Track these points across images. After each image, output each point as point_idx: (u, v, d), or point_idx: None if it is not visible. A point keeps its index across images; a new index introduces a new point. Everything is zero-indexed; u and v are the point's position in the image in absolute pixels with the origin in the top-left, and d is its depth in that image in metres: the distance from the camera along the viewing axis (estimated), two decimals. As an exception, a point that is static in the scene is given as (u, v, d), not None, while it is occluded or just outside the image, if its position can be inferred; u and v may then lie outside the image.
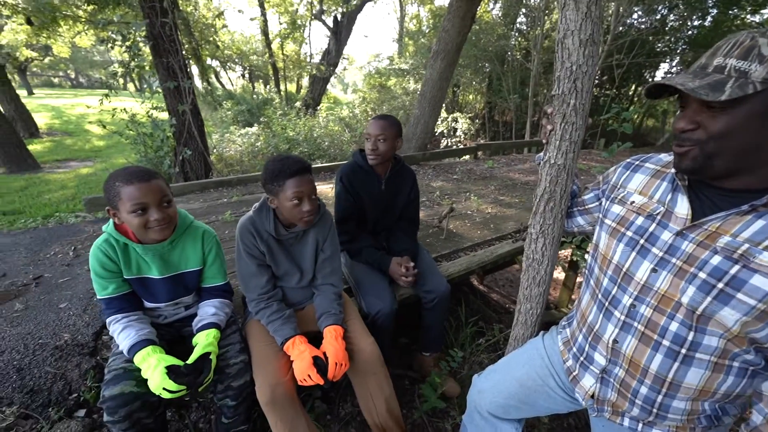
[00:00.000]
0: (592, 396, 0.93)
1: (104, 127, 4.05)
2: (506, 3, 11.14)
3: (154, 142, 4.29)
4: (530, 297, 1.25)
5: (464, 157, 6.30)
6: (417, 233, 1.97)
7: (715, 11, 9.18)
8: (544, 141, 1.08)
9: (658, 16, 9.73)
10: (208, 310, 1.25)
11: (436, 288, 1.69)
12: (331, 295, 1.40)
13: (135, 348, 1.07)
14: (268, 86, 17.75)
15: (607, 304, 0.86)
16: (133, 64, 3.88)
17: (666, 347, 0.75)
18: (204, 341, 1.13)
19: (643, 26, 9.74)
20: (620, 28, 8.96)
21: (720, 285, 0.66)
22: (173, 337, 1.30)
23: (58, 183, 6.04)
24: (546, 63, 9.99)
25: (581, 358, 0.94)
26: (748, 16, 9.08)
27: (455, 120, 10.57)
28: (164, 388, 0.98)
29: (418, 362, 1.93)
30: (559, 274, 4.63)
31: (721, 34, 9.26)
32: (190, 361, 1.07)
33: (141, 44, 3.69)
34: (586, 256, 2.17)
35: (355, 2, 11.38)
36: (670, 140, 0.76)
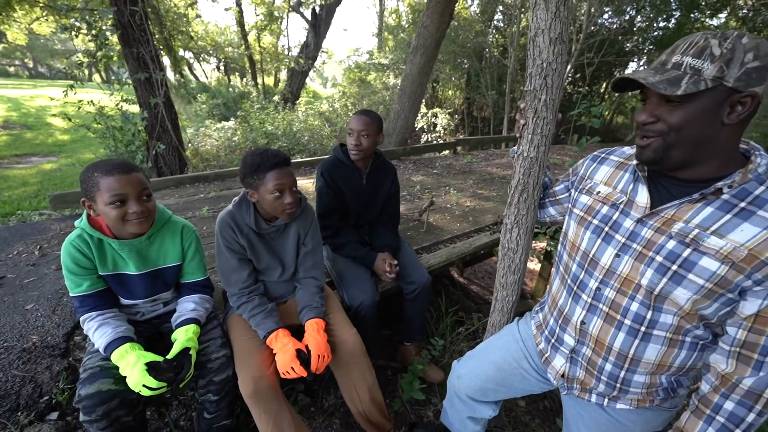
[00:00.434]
0: (563, 375, 0.99)
1: (69, 120, 3.84)
2: (484, 0, 11.28)
3: (124, 136, 4.11)
4: (506, 284, 1.31)
5: (444, 152, 6.38)
6: (398, 227, 2.00)
7: (678, 14, 9.67)
8: (517, 135, 1.12)
9: (627, 17, 10.15)
10: (188, 305, 1.23)
11: (417, 279, 1.73)
12: (313, 289, 1.40)
13: (112, 346, 1.05)
14: (244, 79, 17.28)
15: (575, 288, 0.92)
16: (99, 54, 3.69)
17: (627, 326, 0.81)
18: (183, 337, 1.12)
19: (613, 26, 10.13)
20: (592, 28, 9.28)
21: (674, 267, 0.72)
22: (151, 334, 1.28)
23: (18, 179, 5.69)
24: (522, 60, 10.21)
25: (552, 340, 1.00)
26: (707, 20, 9.62)
27: (435, 115, 10.66)
28: (144, 385, 0.97)
29: (401, 352, 1.97)
30: (536, 266, 4.81)
31: (683, 35, 9.72)
32: (170, 356, 1.06)
33: (108, 33, 3.50)
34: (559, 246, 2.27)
35: (333, -5, 11.23)
36: (637, 138, 0.82)
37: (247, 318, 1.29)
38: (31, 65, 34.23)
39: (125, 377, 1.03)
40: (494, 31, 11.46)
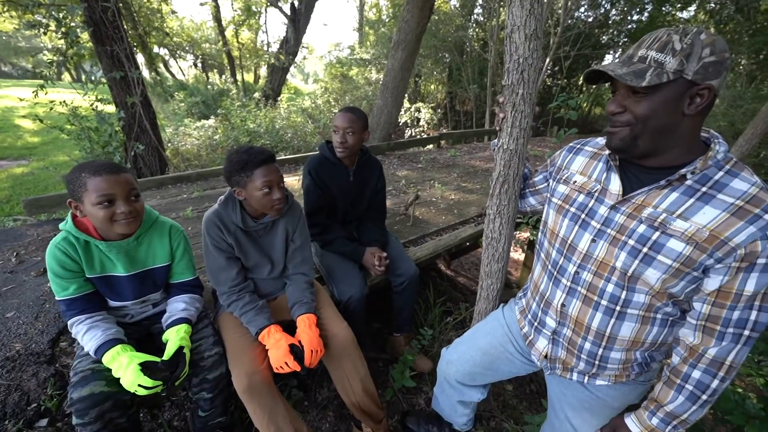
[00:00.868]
0: (546, 356, 1.04)
1: (41, 121, 3.69)
2: (463, -6, 11.34)
3: (100, 137, 3.97)
4: (491, 273, 1.35)
5: (428, 147, 6.43)
6: (385, 222, 2.03)
7: (651, 7, 9.97)
8: (497, 128, 1.16)
9: (602, 11, 10.40)
10: (178, 305, 1.23)
11: (405, 272, 1.76)
12: (302, 285, 1.42)
13: (103, 348, 1.04)
14: (223, 76, 16.88)
15: (555, 273, 0.97)
16: (70, 52, 3.55)
17: (604, 306, 0.87)
18: (176, 336, 1.12)
19: (589, 19, 10.36)
20: (569, 21, 9.47)
21: (645, 249, 0.78)
22: (141, 336, 1.27)
23: (-13, 185, 5.44)
24: (502, 54, 10.26)
25: (535, 324, 1.05)
26: (678, 13, 9.97)
27: (418, 110, 10.70)
28: (140, 385, 0.97)
29: (390, 344, 2.01)
30: (520, 255, 4.93)
31: (655, 28, 10.06)
32: (166, 357, 1.06)
33: (79, 30, 3.37)
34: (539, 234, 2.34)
35: (312, -12, 11.06)
36: (608, 127, 0.86)
37: (238, 315, 1.29)
38: (-7, 64, 32.40)
39: (118, 379, 1.03)
40: (474, 25, 11.55)
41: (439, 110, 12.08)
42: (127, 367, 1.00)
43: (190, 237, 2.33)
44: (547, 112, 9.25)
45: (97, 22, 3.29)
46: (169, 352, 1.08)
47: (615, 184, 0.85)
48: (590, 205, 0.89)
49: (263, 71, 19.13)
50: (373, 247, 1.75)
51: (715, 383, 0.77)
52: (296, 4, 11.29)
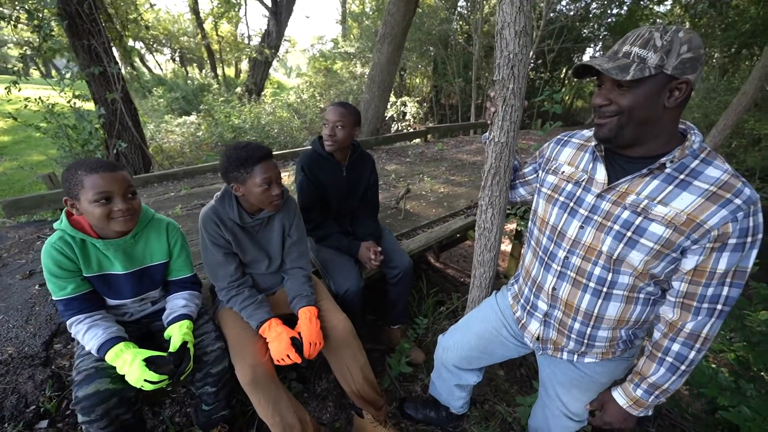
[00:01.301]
0: (538, 338, 1.10)
1: (15, 119, 3.55)
2: (447, -14, 11.32)
3: (79, 135, 3.86)
4: (483, 262, 1.41)
5: (415, 141, 6.47)
6: (378, 215, 2.06)
7: (629, 1, 10.20)
8: (488, 122, 1.20)
9: (583, 4, 10.58)
10: (178, 302, 1.24)
11: (400, 264, 1.80)
12: (301, 278, 1.44)
13: (105, 346, 1.05)
14: (203, 71, 16.43)
15: (546, 259, 1.02)
16: (44, 46, 3.41)
17: (592, 288, 0.93)
18: (179, 331, 1.13)
19: (570, 13, 10.53)
20: (551, 14, 9.61)
21: (629, 233, 0.84)
22: (142, 334, 1.27)
23: (-43, 186, 5.20)
24: (486, 47, 10.42)
25: (528, 307, 1.11)
26: (656, 7, 10.24)
27: (404, 104, 10.71)
28: (146, 380, 0.99)
29: (387, 335, 2.05)
30: (507, 246, 5.05)
31: (634, 22, 10.35)
32: (172, 349, 1.07)
33: (54, 23, 3.24)
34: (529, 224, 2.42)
35: (294, -20, 10.84)
36: (595, 119, 0.92)
37: (239, 310, 1.31)
38: (-46, 58, 30.59)
39: (123, 376, 1.04)
40: (458, 17, 11.58)
41: (425, 104, 12.11)
42: (132, 363, 1.01)
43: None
44: (531, 105, 9.41)
45: (73, 14, 3.17)
46: (174, 345, 1.09)
47: (601, 174, 0.91)
48: (578, 193, 0.95)
49: (244, 65, 18.70)
50: (368, 242, 1.78)
51: (692, 354, 0.84)
52: (278, -5, 11.06)
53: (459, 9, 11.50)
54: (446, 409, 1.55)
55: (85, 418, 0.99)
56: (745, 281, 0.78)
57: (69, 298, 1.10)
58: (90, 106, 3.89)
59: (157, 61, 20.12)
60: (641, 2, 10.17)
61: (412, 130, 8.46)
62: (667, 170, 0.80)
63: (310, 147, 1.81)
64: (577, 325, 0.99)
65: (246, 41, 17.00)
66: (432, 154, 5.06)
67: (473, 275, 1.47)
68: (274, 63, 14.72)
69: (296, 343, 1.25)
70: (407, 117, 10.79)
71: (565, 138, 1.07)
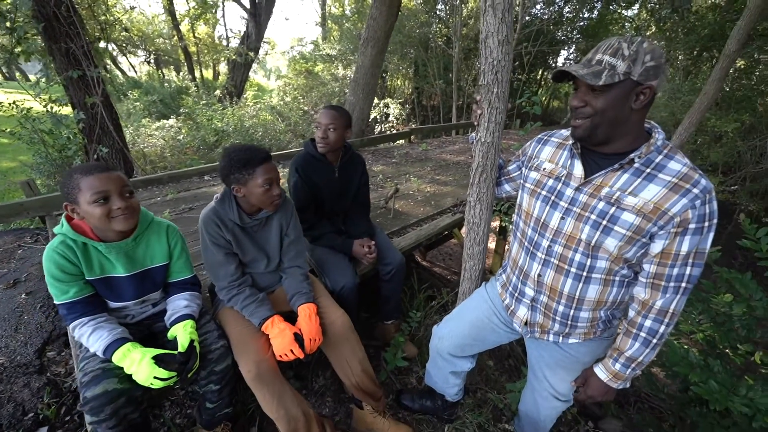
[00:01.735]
0: (526, 322, 1.19)
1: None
2: (426, -10, 11.51)
3: (56, 140, 3.74)
4: (473, 255, 1.49)
5: (399, 142, 6.56)
6: (369, 214, 2.12)
7: (600, 5, 10.66)
8: (475, 123, 1.29)
9: (556, 8, 10.98)
10: (180, 303, 1.26)
11: (392, 260, 1.87)
12: (299, 276, 1.49)
13: (112, 347, 1.07)
14: (181, 73, 16.05)
15: (531, 248, 1.11)
16: (18, 49, 3.30)
17: (573, 273, 1.02)
18: (184, 331, 1.16)
19: (544, 16, 10.90)
20: (527, 18, 9.92)
21: (604, 222, 0.93)
22: (144, 336, 1.29)
23: None
24: (466, 49, 10.65)
25: (516, 294, 1.20)
26: (624, 11, 10.73)
27: (387, 105, 10.80)
28: (155, 377, 1.01)
29: (380, 331, 2.11)
30: (491, 243, 5.20)
31: (604, 25, 10.81)
32: (181, 348, 1.10)
33: (28, 25, 3.14)
34: (513, 218, 2.54)
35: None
36: (571, 119, 1.01)
37: (240, 309, 1.34)
38: None
39: (130, 376, 1.06)
40: (437, 20, 11.78)
41: (407, 106, 12.25)
42: (140, 362, 1.03)
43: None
44: (511, 106, 9.68)
45: (50, 17, 3.09)
46: (183, 344, 1.12)
47: (578, 169, 1.00)
48: (558, 187, 1.04)
49: (223, 67, 18.38)
50: (362, 239, 1.84)
51: (662, 329, 0.94)
52: (257, -3, 10.97)
53: (438, 12, 11.71)
54: (441, 397, 1.63)
55: (94, 418, 1.01)
56: (704, 261, 0.89)
57: (72, 301, 1.11)
58: (67, 110, 3.78)
59: (130, 64, 19.51)
60: (611, 7, 10.65)
61: (395, 132, 8.57)
62: (636, 165, 0.90)
63: (295, 149, 1.85)
64: (561, 308, 1.08)
65: (224, 43, 16.73)
66: (417, 155, 5.16)
67: (463, 268, 1.55)
68: (254, 65, 14.56)
69: (298, 339, 1.30)
70: (390, 118, 10.88)
71: (546, 137, 1.17)
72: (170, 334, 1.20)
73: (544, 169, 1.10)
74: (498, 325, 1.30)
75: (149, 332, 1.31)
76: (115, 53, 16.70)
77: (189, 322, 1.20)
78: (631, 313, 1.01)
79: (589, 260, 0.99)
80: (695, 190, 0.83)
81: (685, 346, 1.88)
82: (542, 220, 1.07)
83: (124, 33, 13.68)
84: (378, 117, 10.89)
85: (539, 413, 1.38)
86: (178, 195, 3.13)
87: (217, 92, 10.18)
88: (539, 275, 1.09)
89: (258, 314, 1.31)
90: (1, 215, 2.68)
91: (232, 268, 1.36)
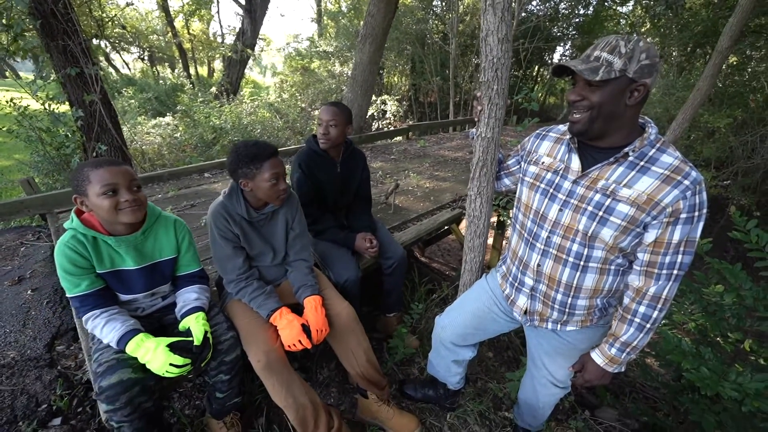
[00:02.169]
0: (525, 311, 1.23)
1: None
2: (422, -14, 11.48)
3: (54, 138, 3.73)
4: (473, 247, 1.53)
5: (397, 138, 6.59)
6: (371, 209, 2.16)
7: (595, 1, 10.70)
8: (476, 119, 1.32)
9: (552, 4, 11.01)
10: (190, 295, 1.30)
11: (394, 254, 1.91)
12: (304, 269, 1.53)
13: (125, 338, 1.10)
14: (175, 70, 15.92)
15: (531, 239, 1.15)
16: (13, 47, 3.28)
17: (571, 262, 1.06)
18: (197, 322, 1.19)
19: (540, 13, 10.94)
20: (523, 14, 9.95)
21: (600, 213, 0.97)
22: (154, 328, 1.31)
23: None
24: (462, 46, 10.67)
25: (516, 284, 1.24)
26: (619, 7, 10.79)
27: (384, 102, 10.80)
28: (171, 364, 1.05)
29: (382, 323, 2.16)
30: (488, 239, 5.26)
31: (599, 21, 10.86)
32: (197, 342, 1.14)
33: (26, 22, 3.12)
34: (511, 213, 2.58)
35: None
36: (568, 115, 1.05)
37: (248, 301, 1.38)
38: None
39: (143, 366, 1.09)
40: (434, 17, 11.78)
41: (404, 102, 12.25)
42: (155, 350, 1.06)
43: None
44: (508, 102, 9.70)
45: (47, 14, 3.07)
46: (198, 337, 1.15)
47: (575, 163, 1.04)
48: (556, 181, 1.08)
49: (218, 64, 18.25)
50: (364, 233, 1.88)
51: (655, 314, 0.99)
52: (252, -7, 10.90)
53: (434, 8, 11.70)
54: (444, 386, 1.68)
55: (110, 407, 1.04)
56: (695, 249, 0.93)
57: (84, 294, 1.14)
58: (64, 108, 3.77)
59: (124, 61, 19.33)
60: (606, 3, 10.70)
61: (393, 128, 8.58)
62: (630, 158, 0.94)
63: (294, 147, 1.88)
64: (559, 296, 1.12)
65: (219, 40, 16.62)
66: (415, 151, 5.19)
67: (464, 260, 1.60)
68: (249, 62, 14.47)
69: (305, 330, 1.34)
70: (387, 115, 10.89)
71: (544, 132, 1.21)
72: (182, 325, 1.23)
73: (543, 163, 1.14)
74: (498, 314, 1.35)
75: (159, 325, 1.35)
76: (108, 50, 16.52)
77: (201, 314, 1.23)
78: (626, 300, 1.05)
79: (586, 250, 1.03)
80: (686, 182, 0.87)
81: (678, 336, 1.94)
82: (541, 212, 1.11)
83: (119, 30, 13.54)
84: (375, 114, 10.89)
85: (538, 400, 1.43)
86: (179, 192, 3.14)
87: (213, 89, 10.12)
88: (538, 265, 1.14)
89: (266, 306, 1.35)
90: (1, 213, 2.68)
91: (240, 262, 1.39)
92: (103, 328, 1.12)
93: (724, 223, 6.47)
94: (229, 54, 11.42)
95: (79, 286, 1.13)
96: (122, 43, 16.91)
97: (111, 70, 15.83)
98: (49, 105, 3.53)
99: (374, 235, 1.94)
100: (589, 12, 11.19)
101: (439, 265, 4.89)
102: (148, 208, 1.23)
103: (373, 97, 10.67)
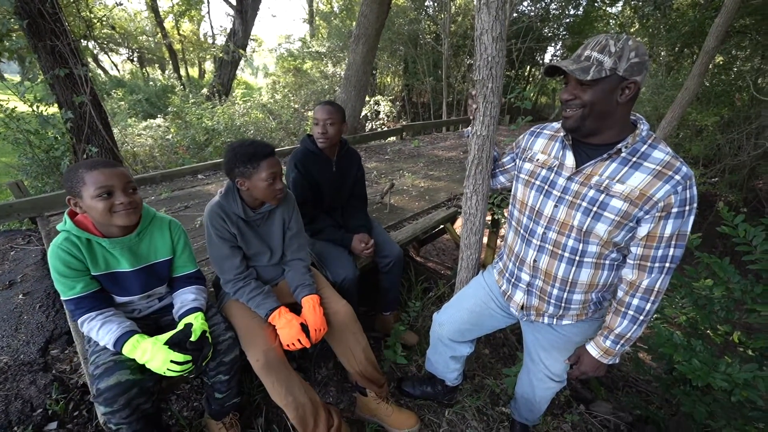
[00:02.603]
0: (522, 307, 1.25)
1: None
2: (414, -13, 11.52)
3: (43, 141, 3.68)
4: (469, 244, 1.55)
5: (390, 139, 6.61)
6: (367, 208, 2.17)
7: (585, 2, 10.84)
8: (471, 117, 1.34)
9: (543, 5, 11.13)
10: (188, 296, 1.29)
11: (390, 252, 1.92)
12: (301, 269, 1.53)
13: (122, 339, 1.09)
14: (166, 71, 15.74)
15: (527, 235, 1.17)
16: (0, 47, 3.23)
17: (566, 258, 1.08)
18: (196, 322, 1.19)
19: (532, 14, 11.05)
20: (514, 14, 10.04)
21: (594, 209, 0.99)
22: (151, 330, 1.30)
23: None
24: (455, 46, 10.72)
25: (512, 280, 1.26)
26: (608, 8, 10.94)
27: (377, 103, 10.81)
28: (172, 360, 1.04)
29: (380, 322, 2.16)
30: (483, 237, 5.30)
31: (589, 22, 11.00)
32: (193, 338, 1.13)
33: (12, 22, 3.06)
34: (506, 212, 2.60)
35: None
36: (559, 114, 1.07)
37: (246, 301, 1.38)
38: None
39: (141, 366, 1.08)
40: (426, 17, 11.82)
41: (398, 103, 12.27)
42: (153, 349, 1.06)
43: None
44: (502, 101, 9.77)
45: (34, 14, 3.02)
46: (195, 332, 1.15)
47: (570, 160, 1.06)
48: (551, 177, 1.10)
49: (209, 65, 18.09)
50: (360, 234, 1.88)
51: (648, 306, 1.01)
52: (243, -6, 10.81)
53: (426, 9, 11.75)
54: (442, 382, 1.69)
55: (108, 409, 1.03)
56: (686, 243, 0.96)
57: (79, 297, 1.13)
58: (53, 110, 3.71)
59: (112, 62, 19.06)
60: (596, 4, 10.84)
61: (387, 129, 8.60)
62: (623, 154, 0.96)
63: (288, 147, 1.88)
64: (555, 291, 1.14)
65: (210, 41, 16.47)
66: (409, 151, 5.21)
67: (460, 258, 1.61)
68: (241, 63, 14.36)
69: (304, 329, 1.34)
70: (381, 116, 10.90)
71: (538, 130, 1.22)
72: (180, 325, 1.22)
73: (537, 159, 1.16)
74: (495, 310, 1.36)
75: (156, 326, 1.33)
76: (96, 51, 16.26)
77: (199, 314, 1.23)
78: (620, 293, 1.07)
79: (581, 245, 1.05)
80: (677, 177, 0.90)
81: (670, 330, 1.98)
82: (536, 209, 1.13)
83: (108, 30, 13.35)
84: (369, 114, 10.89)
85: (535, 394, 1.45)
86: (173, 194, 3.12)
87: (204, 90, 10.04)
88: (534, 261, 1.15)
89: (264, 306, 1.35)
90: (-11, 217, 2.63)
91: (238, 261, 1.39)
92: (99, 330, 1.11)
93: (712, 219, 6.60)
94: (221, 55, 11.32)
95: (74, 289, 1.12)
96: (110, 44, 16.66)
97: (99, 71, 15.60)
98: (37, 107, 3.47)
99: (370, 234, 1.94)
100: (579, 12, 11.33)
101: (435, 265, 4.91)
102: (143, 209, 1.22)
103: (367, 98, 10.67)
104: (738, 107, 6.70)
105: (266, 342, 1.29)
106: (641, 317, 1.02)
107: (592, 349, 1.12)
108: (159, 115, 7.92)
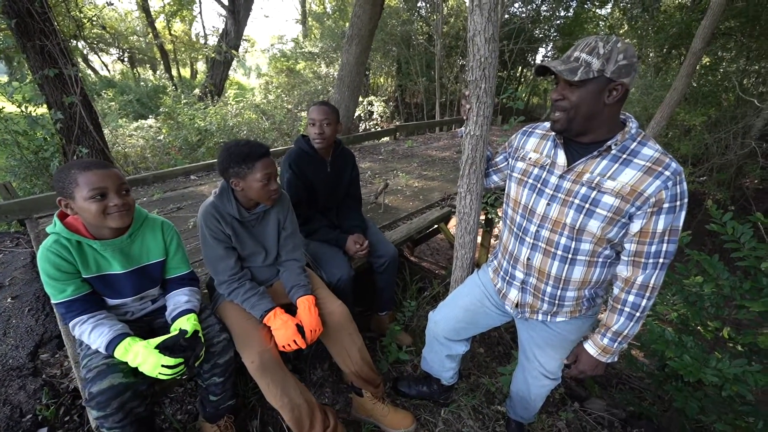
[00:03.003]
0: (517, 305, 1.26)
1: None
2: (407, -12, 11.55)
3: (32, 142, 3.61)
4: (464, 244, 1.56)
5: (384, 139, 6.61)
6: (361, 208, 2.17)
7: (575, 4, 10.97)
8: (464, 117, 1.35)
9: (534, 6, 11.24)
10: (181, 298, 1.27)
11: (385, 252, 1.92)
12: (296, 269, 1.52)
13: (114, 343, 1.07)
14: (157, 72, 15.57)
15: (520, 234, 1.18)
16: (-13, 47, 3.17)
17: (559, 255, 1.09)
18: (188, 323, 1.17)
19: (523, 15, 11.15)
20: (506, 16, 10.12)
21: (587, 206, 1.01)
22: (144, 333, 1.29)
23: None
24: (447, 47, 10.77)
25: (507, 278, 1.27)
26: (598, 10, 11.09)
27: (371, 103, 10.81)
28: (163, 365, 1.03)
29: (375, 322, 2.16)
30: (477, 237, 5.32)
31: (580, 23, 11.13)
32: (188, 335, 1.12)
33: (0, 22, 3.01)
34: (499, 212, 2.61)
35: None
36: (551, 113, 1.09)
37: (241, 302, 1.37)
38: None
39: (134, 370, 1.07)
40: (419, 18, 11.86)
41: (391, 103, 12.29)
42: (144, 353, 1.04)
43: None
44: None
45: (23, 13, 2.97)
46: (189, 331, 1.13)
47: (561, 158, 1.07)
48: (543, 176, 1.11)
49: (201, 66, 17.95)
50: (354, 235, 1.88)
51: (644, 302, 1.02)
52: (236, -6, 10.75)
53: (419, 10, 11.79)
54: (437, 382, 1.69)
55: (101, 413, 1.02)
56: (678, 237, 0.97)
57: (70, 300, 1.11)
58: (42, 110, 3.65)
59: (103, 62, 18.80)
60: (585, 6, 10.98)
61: (380, 129, 8.60)
62: (613, 152, 0.98)
63: (281, 148, 1.87)
64: (549, 289, 1.15)
65: (202, 41, 16.34)
66: (403, 152, 5.22)
67: (455, 257, 1.62)
68: (233, 63, 14.26)
69: (299, 330, 1.33)
70: (374, 116, 10.90)
71: (530, 129, 1.24)
72: (173, 328, 1.21)
73: (530, 158, 1.17)
74: (490, 308, 1.37)
75: (149, 328, 1.32)
76: (85, 51, 16.03)
77: (192, 316, 1.22)
78: (615, 291, 1.09)
79: (573, 243, 1.06)
80: (667, 173, 0.91)
81: (662, 327, 2.01)
82: (529, 207, 1.14)
83: (98, 30, 13.17)
84: (362, 114, 10.89)
85: (530, 392, 1.46)
86: (165, 195, 3.08)
87: (197, 91, 9.95)
88: (528, 259, 1.16)
89: (259, 307, 1.34)
90: (-23, 220, 2.58)
91: (232, 262, 1.38)
92: (90, 333, 1.09)
93: (701, 217, 6.72)
94: (213, 55, 11.23)
95: (65, 292, 1.10)
96: (101, 45, 16.44)
97: (89, 72, 15.38)
98: (26, 107, 3.41)
99: (365, 234, 1.94)
100: (569, 14, 11.47)
101: (429, 264, 4.92)
102: (135, 210, 1.21)
103: (360, 98, 10.66)
104: (725, 107, 6.84)
105: (261, 343, 1.28)
106: (637, 314, 1.04)
107: (590, 347, 1.13)
108: (150, 116, 7.82)
